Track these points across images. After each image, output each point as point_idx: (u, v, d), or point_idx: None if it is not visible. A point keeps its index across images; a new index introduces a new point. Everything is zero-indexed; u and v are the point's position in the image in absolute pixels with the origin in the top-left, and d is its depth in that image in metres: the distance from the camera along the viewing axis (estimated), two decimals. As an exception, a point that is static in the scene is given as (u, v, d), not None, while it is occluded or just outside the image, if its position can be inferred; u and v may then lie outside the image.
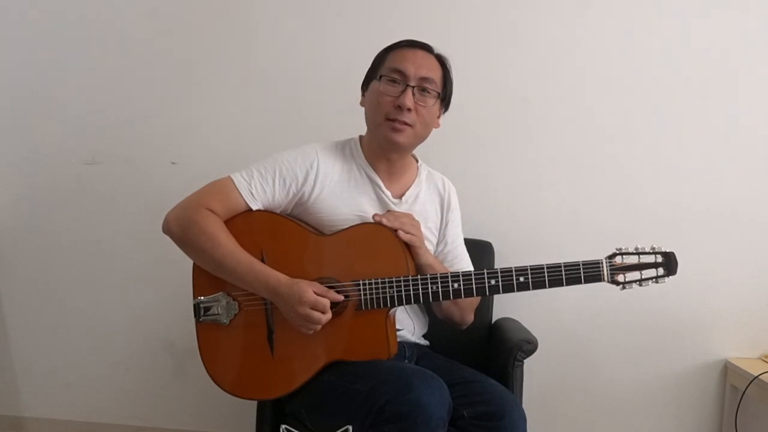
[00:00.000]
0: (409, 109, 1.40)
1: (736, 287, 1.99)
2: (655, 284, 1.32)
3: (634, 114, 2.00)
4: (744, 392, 1.84)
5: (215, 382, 1.42)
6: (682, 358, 2.02)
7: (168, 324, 2.13)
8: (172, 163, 2.15)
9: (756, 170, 1.98)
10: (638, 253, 1.32)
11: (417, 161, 1.59)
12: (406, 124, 1.41)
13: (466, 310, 1.53)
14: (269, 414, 1.47)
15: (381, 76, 1.42)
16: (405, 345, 1.49)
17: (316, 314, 1.29)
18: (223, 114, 2.13)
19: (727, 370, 2.00)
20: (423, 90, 1.42)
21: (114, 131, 2.17)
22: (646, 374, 2.04)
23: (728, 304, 1.99)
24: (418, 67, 1.42)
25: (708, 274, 1.99)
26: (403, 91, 1.40)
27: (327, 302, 1.30)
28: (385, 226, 1.38)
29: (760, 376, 1.79)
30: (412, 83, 1.41)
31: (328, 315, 1.31)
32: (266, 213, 1.43)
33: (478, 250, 1.88)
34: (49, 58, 2.19)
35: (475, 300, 1.54)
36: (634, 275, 1.32)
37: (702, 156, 1.99)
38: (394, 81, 1.42)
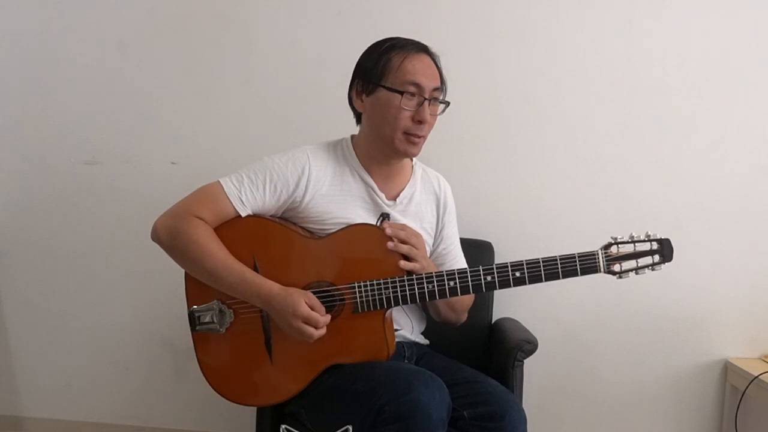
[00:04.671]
0: (426, 122, 1.40)
1: (736, 287, 1.99)
2: (651, 272, 1.32)
3: (634, 113, 2.00)
4: (744, 392, 1.84)
5: (216, 390, 1.41)
6: (682, 358, 2.02)
7: (168, 324, 2.13)
8: (172, 163, 2.15)
9: (756, 169, 1.98)
10: (633, 242, 1.31)
11: (411, 159, 1.57)
12: (422, 136, 1.41)
13: (460, 312, 1.55)
14: (269, 414, 1.47)
15: (401, 92, 1.37)
16: (404, 344, 1.49)
17: (309, 329, 1.28)
18: (223, 114, 2.13)
19: (727, 370, 2.00)
20: (434, 100, 1.42)
21: (114, 131, 2.17)
22: (646, 374, 2.04)
23: (728, 304, 1.99)
24: (430, 78, 1.40)
25: (708, 273, 1.99)
26: (420, 104, 1.39)
27: (319, 317, 1.29)
28: (380, 229, 1.37)
29: (760, 376, 1.79)
30: (428, 96, 1.39)
31: (321, 331, 1.30)
32: (257, 218, 1.41)
33: (478, 250, 1.88)
34: (49, 57, 2.19)
35: (469, 301, 1.56)
36: (630, 264, 1.31)
37: (702, 156, 1.99)
38: (411, 94, 1.39)
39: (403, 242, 1.35)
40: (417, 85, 1.38)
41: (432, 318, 1.58)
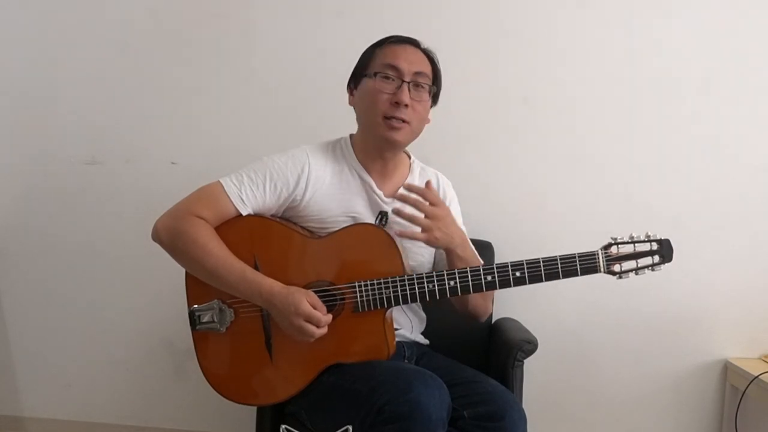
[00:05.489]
0: (405, 105, 1.39)
1: (736, 287, 1.99)
2: (651, 272, 1.32)
3: (634, 113, 2.00)
4: (744, 392, 1.84)
5: (216, 390, 1.41)
6: (682, 358, 2.02)
7: (168, 324, 2.13)
8: (172, 163, 2.15)
9: (756, 169, 1.98)
10: (633, 242, 1.31)
11: (410, 157, 1.57)
12: (403, 121, 1.40)
13: (488, 298, 1.53)
14: (269, 414, 1.47)
15: (376, 73, 1.41)
16: (404, 344, 1.49)
17: (311, 328, 1.28)
18: (223, 114, 2.13)
19: (727, 370, 2.00)
20: (417, 85, 1.41)
21: (114, 131, 2.17)
22: (646, 374, 2.03)
23: (728, 304, 1.99)
24: (411, 62, 1.41)
25: (708, 273, 1.99)
26: (398, 87, 1.39)
27: (321, 316, 1.29)
28: (379, 228, 1.37)
29: (760, 376, 1.79)
30: (407, 78, 1.40)
31: (323, 330, 1.30)
32: (257, 218, 1.41)
33: (478, 250, 1.86)
34: (49, 58, 2.19)
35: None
36: (630, 264, 1.31)
37: (702, 156, 1.99)
38: (388, 77, 1.40)
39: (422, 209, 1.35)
40: (394, 68, 1.40)
41: (434, 317, 1.57)
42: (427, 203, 1.38)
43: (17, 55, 2.21)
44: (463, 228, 1.59)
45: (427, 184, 1.42)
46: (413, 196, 1.38)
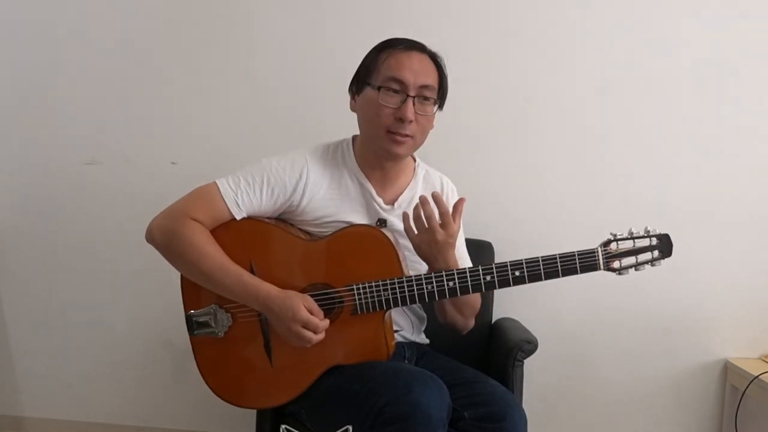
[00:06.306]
0: (410, 121, 1.35)
1: (736, 287, 1.99)
2: (651, 267, 1.30)
3: (633, 113, 2.00)
4: (744, 392, 1.84)
5: (217, 394, 1.41)
6: (682, 358, 2.02)
7: (168, 324, 2.12)
8: (172, 163, 2.15)
9: (756, 169, 1.98)
10: (633, 238, 1.30)
11: (414, 160, 1.55)
12: (407, 135, 1.37)
13: (468, 316, 1.51)
14: (269, 414, 1.47)
15: (380, 87, 1.36)
16: (404, 345, 1.49)
17: (309, 334, 1.27)
18: (223, 114, 2.13)
19: (727, 370, 2.00)
20: (422, 98, 1.37)
21: (114, 131, 2.17)
22: (646, 374, 2.04)
23: (728, 304, 1.99)
24: (417, 74, 1.36)
25: (708, 273, 1.99)
26: (403, 101, 1.35)
27: (318, 321, 1.28)
28: (377, 229, 1.37)
29: (760, 376, 1.79)
30: (412, 93, 1.35)
31: (320, 335, 1.29)
32: (253, 221, 1.39)
33: (478, 250, 1.87)
34: (49, 57, 2.19)
35: (476, 303, 1.51)
36: (630, 260, 1.30)
37: (702, 156, 1.99)
38: (393, 91, 1.36)
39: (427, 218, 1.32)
40: (399, 81, 1.35)
41: (436, 319, 1.56)
42: (438, 220, 1.33)
43: (17, 55, 2.21)
44: (463, 235, 1.55)
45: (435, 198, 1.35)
46: (429, 207, 1.33)
